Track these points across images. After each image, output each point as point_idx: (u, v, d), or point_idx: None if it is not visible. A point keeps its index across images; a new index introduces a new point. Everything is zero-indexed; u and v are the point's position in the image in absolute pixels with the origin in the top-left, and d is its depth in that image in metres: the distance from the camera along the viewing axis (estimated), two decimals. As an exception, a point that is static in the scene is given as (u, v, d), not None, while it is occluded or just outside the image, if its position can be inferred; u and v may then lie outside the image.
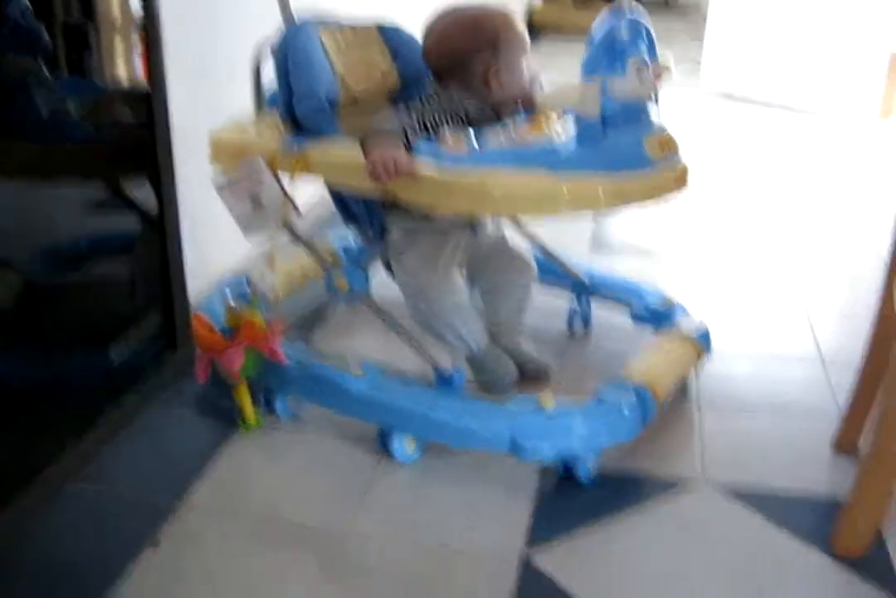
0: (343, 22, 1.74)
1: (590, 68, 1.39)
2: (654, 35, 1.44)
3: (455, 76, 1.60)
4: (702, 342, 1.72)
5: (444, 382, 1.55)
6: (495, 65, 1.59)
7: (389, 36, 1.76)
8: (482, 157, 1.40)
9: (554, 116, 1.50)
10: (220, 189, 1.57)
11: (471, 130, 1.46)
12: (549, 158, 1.37)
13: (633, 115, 1.41)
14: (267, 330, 1.56)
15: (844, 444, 1.58)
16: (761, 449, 1.61)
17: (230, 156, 1.60)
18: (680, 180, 1.46)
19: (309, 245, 1.67)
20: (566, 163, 1.37)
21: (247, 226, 1.60)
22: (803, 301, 2.21)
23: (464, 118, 1.57)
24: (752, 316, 2.14)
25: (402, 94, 1.74)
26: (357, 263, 1.61)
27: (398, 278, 1.67)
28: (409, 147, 1.44)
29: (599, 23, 1.39)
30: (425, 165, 1.41)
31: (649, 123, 1.43)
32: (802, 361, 1.93)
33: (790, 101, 4.10)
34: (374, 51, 1.74)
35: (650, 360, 1.62)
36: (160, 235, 1.29)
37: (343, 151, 1.51)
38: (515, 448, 1.43)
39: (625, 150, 1.40)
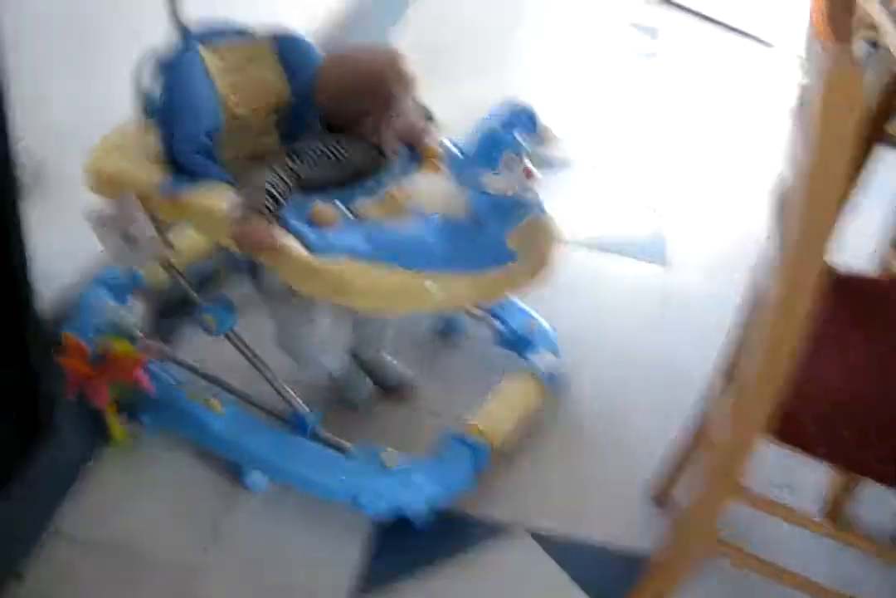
0: (237, 31, 1.69)
1: (465, 160, 1.43)
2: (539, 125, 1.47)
3: (345, 126, 1.60)
4: (550, 384, 1.83)
5: (298, 426, 1.65)
6: (387, 118, 1.59)
7: (285, 49, 1.72)
8: (348, 245, 1.44)
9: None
10: (92, 222, 1.58)
11: (346, 210, 1.49)
12: (414, 259, 1.43)
13: (502, 208, 1.46)
14: (134, 359, 1.63)
15: (660, 496, 1.73)
16: (587, 495, 1.74)
17: (107, 187, 1.60)
18: (538, 267, 1.53)
19: (182, 280, 1.69)
20: (430, 264, 1.43)
21: (118, 259, 1.63)
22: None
23: (344, 164, 1.57)
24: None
25: (293, 111, 1.72)
26: (224, 301, 1.65)
27: (266, 304, 1.70)
28: (279, 219, 1.46)
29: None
30: (292, 243, 1.45)
31: (515, 216, 1.48)
32: (653, 371, 2.04)
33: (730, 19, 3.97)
34: (266, 67, 1.70)
35: (492, 409, 1.72)
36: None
37: (216, 204, 1.51)
38: (355, 503, 1.56)
39: (488, 247, 1.46)
